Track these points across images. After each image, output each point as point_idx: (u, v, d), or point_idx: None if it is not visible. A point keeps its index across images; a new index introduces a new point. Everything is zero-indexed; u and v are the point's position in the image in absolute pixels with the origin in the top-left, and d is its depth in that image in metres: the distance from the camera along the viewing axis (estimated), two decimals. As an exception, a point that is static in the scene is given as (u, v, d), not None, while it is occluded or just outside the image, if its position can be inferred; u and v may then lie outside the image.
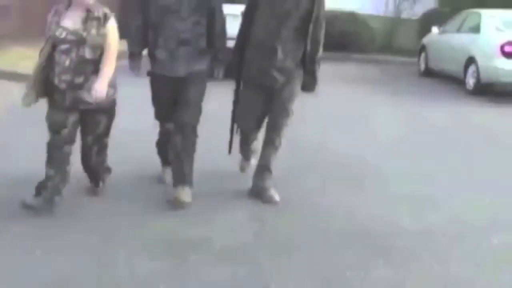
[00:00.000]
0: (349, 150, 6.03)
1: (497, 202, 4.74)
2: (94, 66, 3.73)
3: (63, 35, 3.69)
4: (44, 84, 3.79)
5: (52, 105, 3.84)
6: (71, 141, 3.89)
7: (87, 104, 3.79)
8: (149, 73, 4.28)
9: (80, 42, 3.68)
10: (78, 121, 3.89)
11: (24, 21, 12.29)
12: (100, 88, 3.71)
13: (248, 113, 4.41)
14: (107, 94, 3.77)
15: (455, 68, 11.12)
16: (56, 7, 3.82)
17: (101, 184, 4.29)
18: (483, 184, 5.20)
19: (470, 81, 10.44)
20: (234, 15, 9.98)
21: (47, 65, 3.75)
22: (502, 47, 9.90)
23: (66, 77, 3.71)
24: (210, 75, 4.32)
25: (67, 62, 3.69)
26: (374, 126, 7.34)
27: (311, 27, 4.19)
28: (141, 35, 4.19)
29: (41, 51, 3.80)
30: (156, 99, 4.37)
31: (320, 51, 4.33)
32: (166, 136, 4.42)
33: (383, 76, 12.38)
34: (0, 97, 7.65)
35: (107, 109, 3.92)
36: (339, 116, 7.74)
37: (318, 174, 5.20)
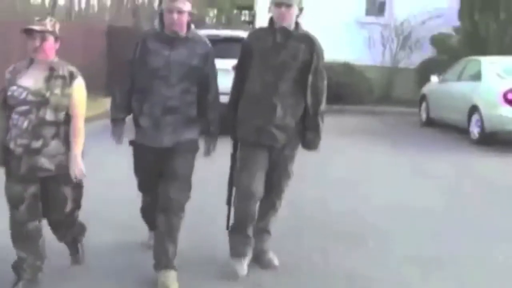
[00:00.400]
0: (349, 207, 5.88)
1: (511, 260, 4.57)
2: (56, 129, 3.49)
3: (23, 95, 3.44)
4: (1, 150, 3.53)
5: (8, 174, 3.55)
6: (34, 217, 3.57)
7: (46, 171, 3.50)
8: (132, 143, 3.97)
9: (42, 103, 3.43)
10: (38, 193, 3.57)
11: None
12: (78, 167, 3.52)
13: (247, 175, 3.97)
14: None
15: (458, 117, 11.10)
16: (15, 65, 3.60)
17: (80, 248, 4.07)
18: (493, 240, 5.03)
19: (475, 130, 10.40)
20: (225, 70, 9.99)
21: (2, 128, 3.51)
22: (505, 95, 9.91)
23: (23, 141, 3.44)
24: (200, 148, 4.01)
25: (25, 124, 3.43)
26: (375, 181, 7.21)
27: (310, 78, 3.95)
28: (126, 101, 3.93)
29: None
30: (139, 170, 4.06)
31: (323, 103, 4.07)
32: (150, 205, 4.10)
33: (382, 127, 12.37)
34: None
35: (72, 179, 3.56)
36: (338, 171, 7.62)
37: (317, 233, 5.05)
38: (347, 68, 14.89)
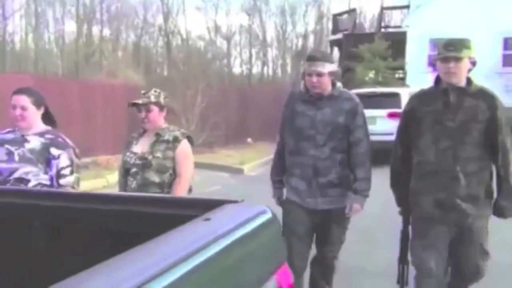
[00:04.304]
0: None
1: None
2: (160, 190, 3.13)
3: (132, 160, 3.21)
4: None
5: None
6: None
7: None
8: (282, 202, 3.33)
9: (145, 165, 3.14)
10: None
11: (227, 131, 14.17)
12: None
13: (426, 253, 2.91)
14: None
15: None
16: (132, 134, 3.43)
17: None
18: None
19: None
20: (382, 117, 10.74)
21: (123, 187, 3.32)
22: None
23: None
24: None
25: (133, 185, 3.16)
26: None
27: (499, 137, 2.84)
28: (282, 162, 3.33)
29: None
30: (288, 233, 3.16)
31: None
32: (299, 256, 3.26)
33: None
34: (216, 183, 8.93)
35: None
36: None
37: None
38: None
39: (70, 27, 31.52)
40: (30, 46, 29.98)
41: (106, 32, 31.18)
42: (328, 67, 3.10)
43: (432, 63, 2.95)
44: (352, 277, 4.08)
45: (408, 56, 17.40)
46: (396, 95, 10.73)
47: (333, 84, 3.18)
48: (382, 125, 9.98)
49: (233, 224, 1.21)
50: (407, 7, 19.45)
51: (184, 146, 3.20)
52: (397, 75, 18.91)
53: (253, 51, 33.40)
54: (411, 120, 2.98)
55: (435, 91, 2.93)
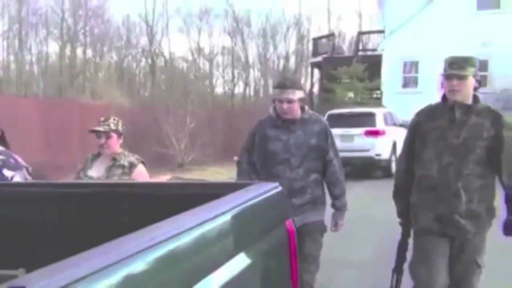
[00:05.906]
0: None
1: None
2: None
3: None
4: None
5: None
6: None
7: None
8: None
9: None
10: None
11: (215, 150, 15.12)
12: None
13: (425, 268, 2.97)
14: None
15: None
16: (88, 156, 3.56)
17: None
18: None
19: None
20: (359, 135, 11.80)
21: None
22: None
23: None
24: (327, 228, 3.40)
25: None
26: None
27: (503, 156, 2.86)
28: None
29: None
30: None
31: None
32: None
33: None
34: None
35: None
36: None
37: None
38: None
39: (53, 48, 32.28)
40: (12, 68, 30.60)
41: (89, 53, 32.03)
42: (298, 94, 3.27)
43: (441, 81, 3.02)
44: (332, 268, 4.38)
45: (383, 77, 18.74)
46: (372, 115, 11.98)
47: (302, 108, 3.35)
48: (359, 142, 11.34)
49: (263, 190, 2.19)
50: (382, 31, 20.88)
51: (141, 169, 3.39)
52: (374, 95, 20.21)
53: (235, 71, 34.64)
54: (416, 134, 3.04)
55: (442, 107, 2.98)
